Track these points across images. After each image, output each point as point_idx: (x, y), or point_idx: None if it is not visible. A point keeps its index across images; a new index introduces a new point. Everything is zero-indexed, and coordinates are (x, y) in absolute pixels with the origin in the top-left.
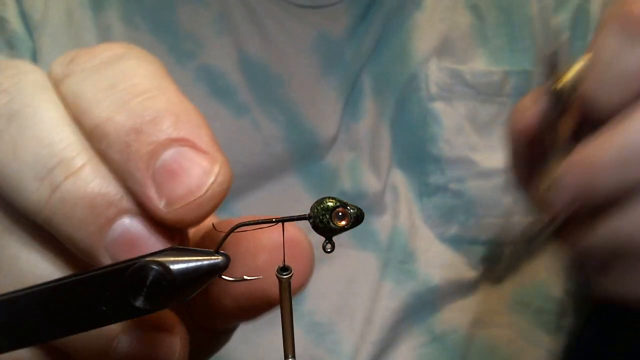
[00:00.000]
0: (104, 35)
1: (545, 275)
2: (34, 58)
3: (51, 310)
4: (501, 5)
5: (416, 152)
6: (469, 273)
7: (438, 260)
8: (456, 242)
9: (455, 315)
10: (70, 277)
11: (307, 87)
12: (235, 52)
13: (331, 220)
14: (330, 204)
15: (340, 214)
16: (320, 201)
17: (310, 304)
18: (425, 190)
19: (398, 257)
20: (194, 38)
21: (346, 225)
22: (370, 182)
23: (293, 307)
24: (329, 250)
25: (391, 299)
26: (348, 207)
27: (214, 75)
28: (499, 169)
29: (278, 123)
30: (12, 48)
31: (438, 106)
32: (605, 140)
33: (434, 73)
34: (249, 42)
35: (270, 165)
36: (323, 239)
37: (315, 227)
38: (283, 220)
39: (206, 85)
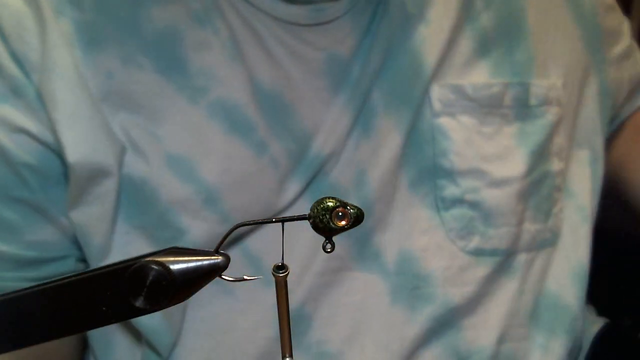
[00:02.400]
0: (107, 81)
1: (555, 285)
2: (41, 105)
3: (51, 310)
4: (501, 16)
5: (427, 168)
6: (491, 286)
7: (460, 277)
8: (478, 254)
9: (481, 334)
10: (71, 277)
11: (317, 112)
12: (248, 82)
13: (331, 220)
14: (330, 204)
15: (340, 214)
16: (320, 201)
17: (319, 334)
18: (442, 205)
19: (411, 283)
20: (204, 71)
21: (346, 225)
22: (376, 201)
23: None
24: (329, 250)
25: (408, 326)
26: (348, 207)
27: (229, 110)
28: (509, 177)
29: (292, 157)
30: (17, 95)
31: (444, 121)
32: None
33: (436, 90)
34: (260, 68)
35: (284, 200)
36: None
37: (316, 227)
38: (283, 220)
39: (222, 121)
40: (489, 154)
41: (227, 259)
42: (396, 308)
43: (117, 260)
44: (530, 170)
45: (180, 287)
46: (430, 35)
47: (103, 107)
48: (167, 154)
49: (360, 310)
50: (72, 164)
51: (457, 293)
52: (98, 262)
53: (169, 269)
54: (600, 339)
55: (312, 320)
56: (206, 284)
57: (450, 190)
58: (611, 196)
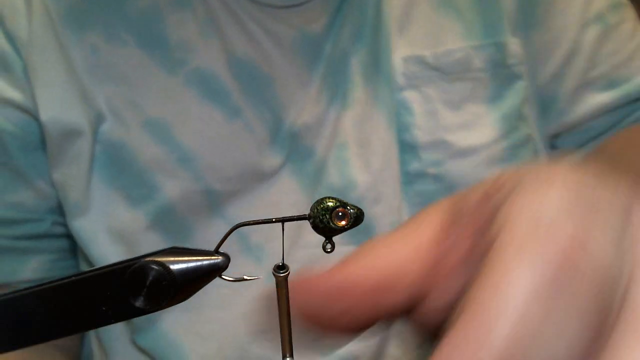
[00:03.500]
0: (91, 56)
1: None
2: (26, 76)
3: (51, 310)
4: None
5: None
6: None
7: None
8: None
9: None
10: (70, 277)
11: (293, 85)
12: (224, 54)
13: (331, 220)
14: (330, 204)
15: (340, 214)
16: (320, 201)
17: None
18: (406, 179)
19: None
20: (183, 44)
21: (346, 225)
22: (360, 173)
23: None
24: (329, 250)
25: None
26: (348, 207)
27: (205, 78)
28: (476, 146)
29: (267, 125)
30: (6, 69)
31: (408, 95)
32: None
33: (400, 64)
34: (237, 44)
35: (266, 167)
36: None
37: (315, 227)
38: (283, 220)
39: (198, 88)
40: (454, 124)
41: (227, 259)
42: None
43: (96, 216)
44: (505, 134)
45: (181, 287)
46: (391, 7)
47: (88, 78)
48: (145, 119)
49: None
50: (44, 122)
51: None
52: (75, 218)
53: (169, 269)
54: None
55: None
56: (206, 284)
57: (413, 166)
58: None
